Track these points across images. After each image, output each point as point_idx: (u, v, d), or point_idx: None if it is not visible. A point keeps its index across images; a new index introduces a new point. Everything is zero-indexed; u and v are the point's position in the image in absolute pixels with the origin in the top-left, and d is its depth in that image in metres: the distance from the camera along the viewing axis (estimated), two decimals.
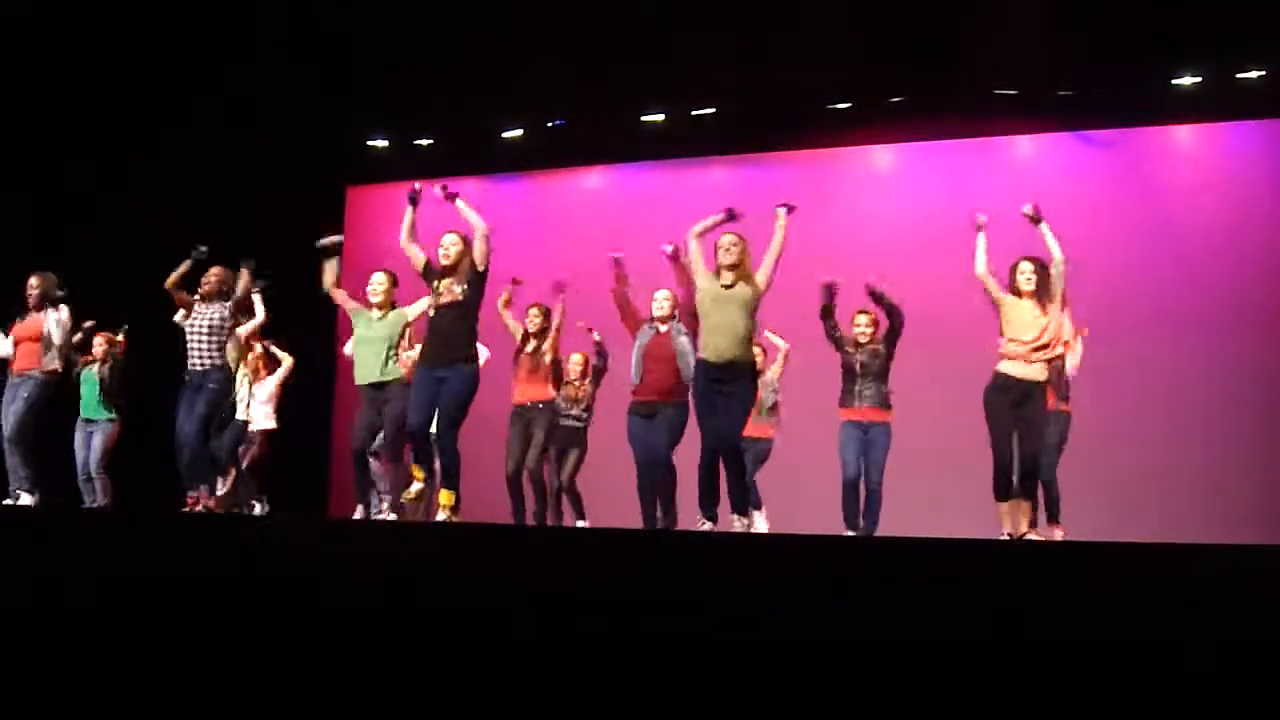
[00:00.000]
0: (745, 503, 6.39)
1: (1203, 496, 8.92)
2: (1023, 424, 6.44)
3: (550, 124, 11.08)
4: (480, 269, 6.56)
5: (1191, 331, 9.42)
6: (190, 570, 4.38)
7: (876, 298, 7.34)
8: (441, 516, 6.57)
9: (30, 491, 7.61)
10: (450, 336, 6.56)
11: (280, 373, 8.84)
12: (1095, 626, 3.60)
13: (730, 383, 6.24)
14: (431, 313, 6.64)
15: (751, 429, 7.85)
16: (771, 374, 8.06)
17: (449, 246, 6.67)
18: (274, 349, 8.86)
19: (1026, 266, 6.61)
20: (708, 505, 6.31)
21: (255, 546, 5.07)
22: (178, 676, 3.54)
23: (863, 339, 7.48)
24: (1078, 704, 3.36)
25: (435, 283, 6.65)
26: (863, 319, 7.52)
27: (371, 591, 4.25)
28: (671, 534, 6.32)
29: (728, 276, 6.33)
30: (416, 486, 6.69)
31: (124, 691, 3.44)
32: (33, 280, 7.88)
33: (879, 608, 3.80)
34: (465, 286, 6.54)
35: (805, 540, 6.09)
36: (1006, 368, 6.51)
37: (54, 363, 7.77)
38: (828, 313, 7.46)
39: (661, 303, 7.01)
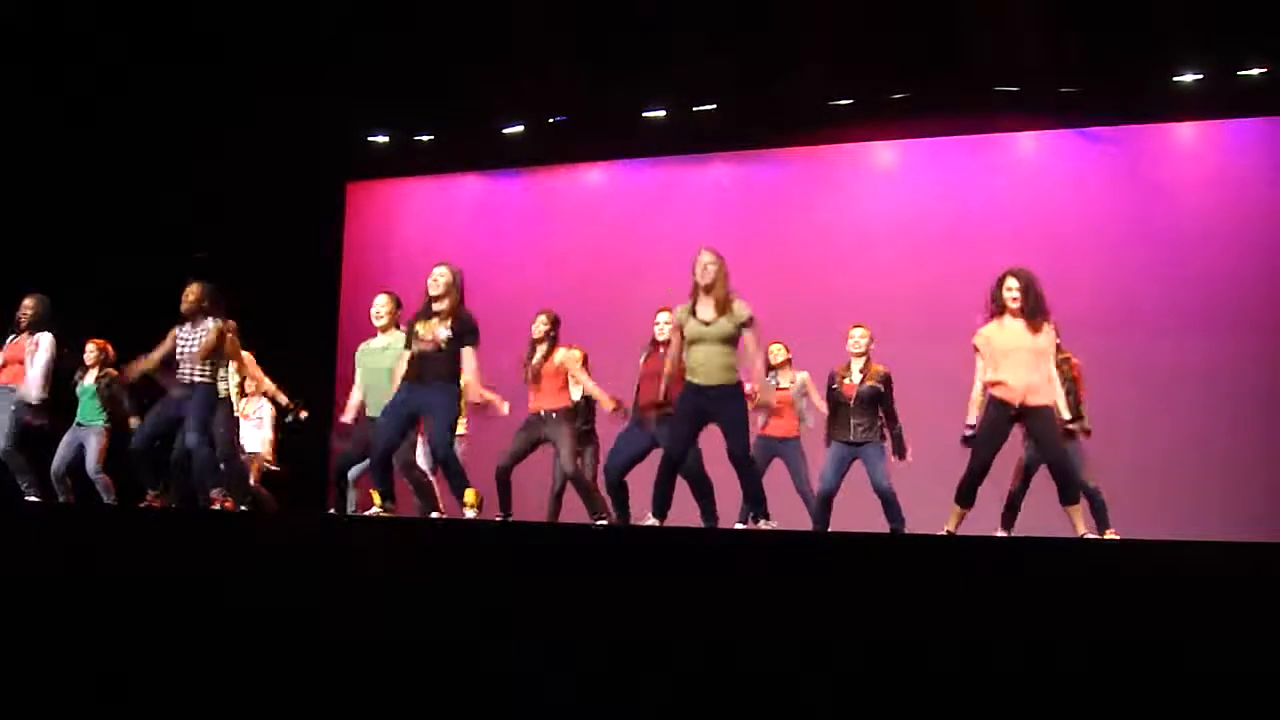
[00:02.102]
0: (763, 510, 6.28)
1: (1204, 494, 8.92)
2: (1034, 441, 6.25)
3: (551, 120, 11.07)
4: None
5: (1193, 328, 9.42)
6: (193, 568, 4.38)
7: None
8: (469, 514, 6.59)
9: (38, 494, 7.64)
10: (431, 365, 6.52)
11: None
12: (1095, 625, 3.60)
13: (715, 405, 6.15)
14: (415, 349, 6.59)
15: (783, 430, 7.85)
16: (801, 379, 8.02)
17: (438, 278, 6.62)
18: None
19: (1013, 283, 6.17)
20: (658, 508, 6.23)
21: (256, 545, 5.07)
22: (178, 674, 3.54)
23: (855, 350, 7.41)
24: (1078, 702, 3.37)
25: (417, 324, 6.60)
26: (857, 332, 7.45)
27: (374, 588, 4.25)
28: (673, 532, 6.30)
29: (705, 309, 6.20)
30: (375, 510, 6.59)
31: (121, 690, 3.44)
32: (26, 302, 7.87)
33: (881, 606, 3.80)
34: (449, 334, 6.50)
35: (806, 538, 6.09)
36: (1001, 393, 6.14)
37: (31, 394, 7.71)
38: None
39: (663, 326, 7.00)
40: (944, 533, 6.20)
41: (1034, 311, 6.14)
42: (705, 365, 6.16)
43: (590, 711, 3.59)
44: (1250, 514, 8.66)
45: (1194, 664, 3.40)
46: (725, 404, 6.15)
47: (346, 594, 4.16)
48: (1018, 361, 6.10)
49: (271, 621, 4.01)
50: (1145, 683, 3.39)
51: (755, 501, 6.30)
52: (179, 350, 7.15)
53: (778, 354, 7.98)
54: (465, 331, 6.53)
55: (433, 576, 4.38)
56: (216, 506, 7.19)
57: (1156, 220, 9.80)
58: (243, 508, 7.27)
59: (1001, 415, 6.14)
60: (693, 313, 6.24)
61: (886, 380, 7.34)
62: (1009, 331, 6.16)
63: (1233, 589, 3.76)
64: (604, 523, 7.44)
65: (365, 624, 3.98)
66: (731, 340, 6.17)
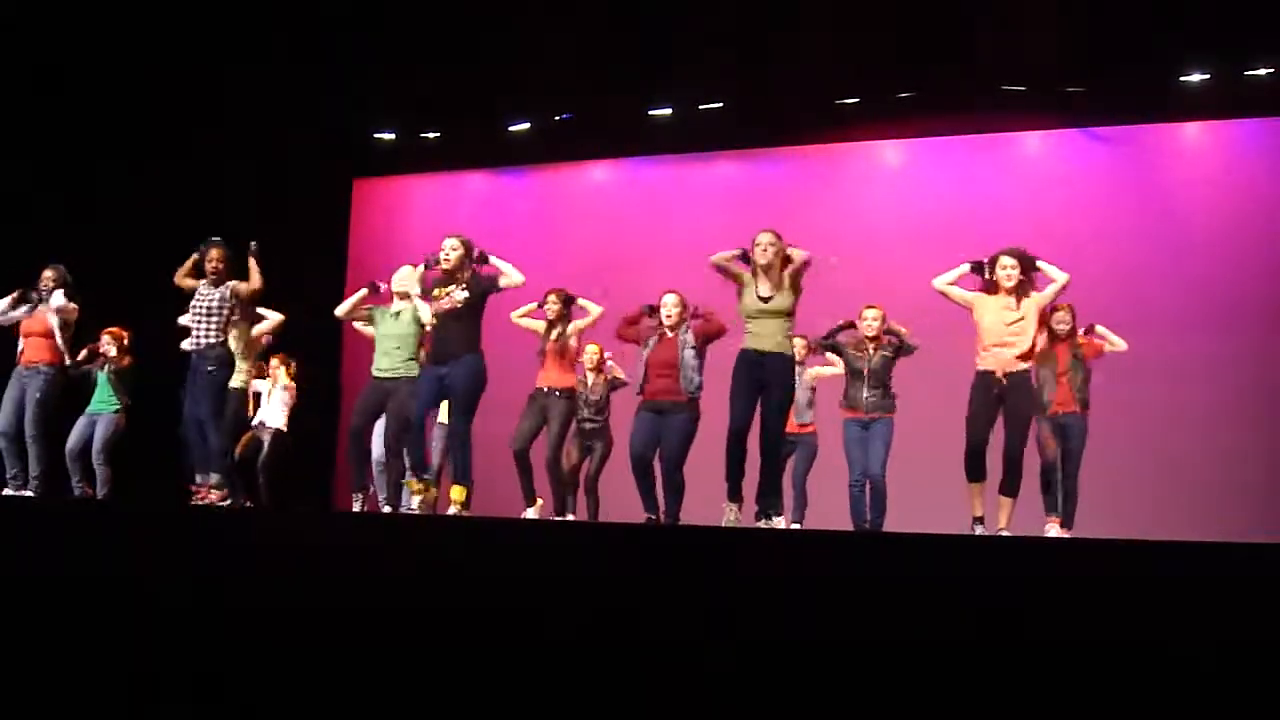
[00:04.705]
0: (775, 505, 6.38)
1: (1204, 494, 8.91)
2: (1007, 416, 6.40)
3: (557, 118, 11.08)
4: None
5: (1195, 327, 9.40)
6: (190, 565, 4.39)
7: (891, 333, 7.48)
8: (452, 510, 6.58)
9: (35, 489, 7.69)
10: (451, 335, 6.64)
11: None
12: (1093, 624, 3.60)
13: (770, 372, 6.31)
14: (433, 320, 6.72)
15: (795, 426, 7.93)
16: (813, 373, 8.13)
17: (449, 252, 6.71)
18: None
19: (1008, 260, 6.50)
20: (732, 486, 6.34)
21: (256, 541, 5.08)
22: (178, 673, 3.55)
23: (869, 333, 7.50)
24: (1076, 703, 3.36)
25: (435, 289, 6.73)
26: (870, 313, 7.54)
27: (376, 586, 4.25)
28: (678, 529, 6.32)
29: (764, 287, 6.36)
30: (418, 499, 6.66)
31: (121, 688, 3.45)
32: (46, 273, 7.91)
33: (881, 605, 3.80)
34: (465, 294, 6.60)
35: (808, 536, 6.09)
36: (985, 364, 6.48)
37: (57, 353, 7.81)
38: (831, 340, 7.63)
39: (670, 309, 6.97)
40: (974, 517, 6.49)
41: (1023, 289, 6.47)
42: (762, 334, 6.36)
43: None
44: (1253, 513, 8.65)
45: (1193, 664, 3.39)
46: (778, 374, 6.34)
47: (341, 593, 4.17)
48: (1002, 336, 6.43)
49: (270, 623, 4.02)
50: (1144, 684, 3.39)
51: (768, 492, 6.37)
52: (193, 310, 7.26)
53: (799, 349, 8.04)
54: (484, 285, 6.67)
55: (430, 575, 4.39)
56: (200, 497, 7.23)
57: (1161, 219, 9.79)
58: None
59: (984, 390, 6.43)
60: (755, 292, 6.39)
61: (896, 347, 7.52)
62: (1000, 303, 6.48)
63: (1234, 589, 3.75)
64: (569, 517, 7.58)
65: (364, 624, 4.00)
66: (789, 313, 6.38)
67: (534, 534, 5.69)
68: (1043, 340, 6.99)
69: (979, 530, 6.46)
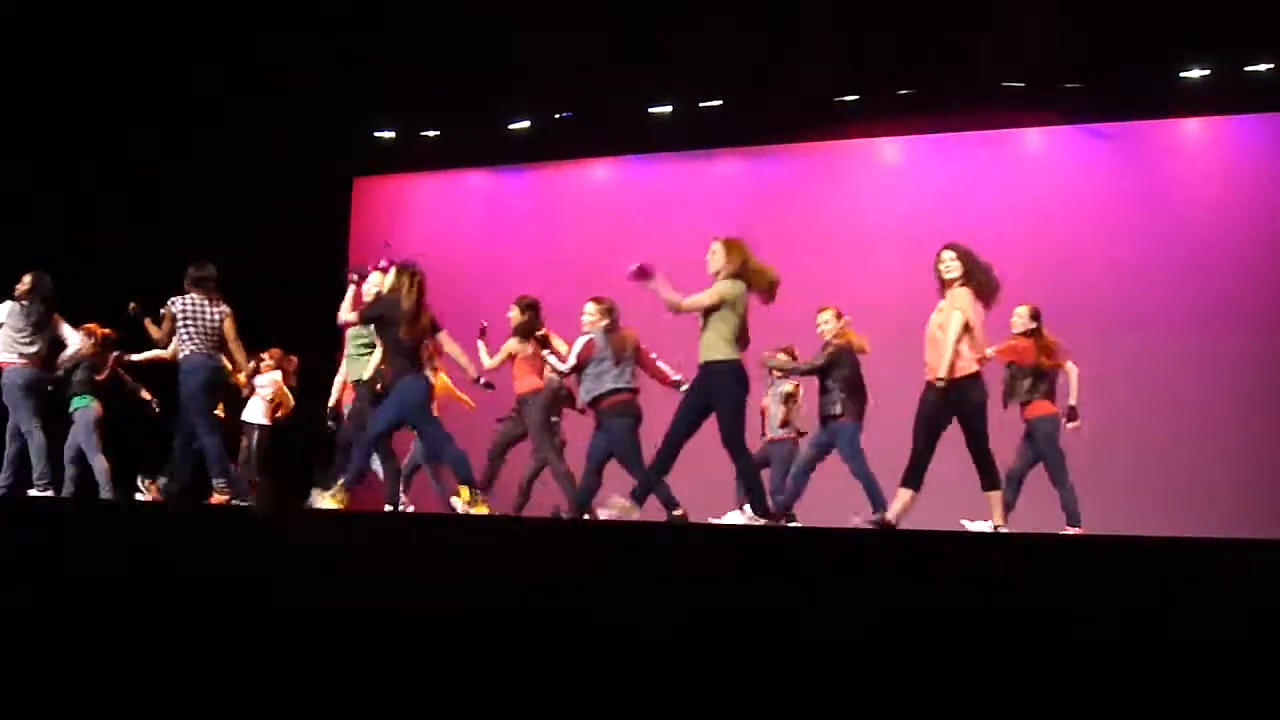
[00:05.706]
0: (758, 505, 6.39)
1: (1205, 491, 8.91)
2: (960, 418, 6.20)
3: (557, 116, 11.08)
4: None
5: (1195, 324, 9.41)
6: (189, 565, 4.40)
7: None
8: (460, 509, 6.61)
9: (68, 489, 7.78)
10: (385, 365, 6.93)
11: (279, 397, 9.03)
12: (1093, 624, 3.59)
13: (714, 378, 6.18)
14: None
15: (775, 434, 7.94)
16: (787, 388, 8.10)
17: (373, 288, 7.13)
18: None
19: (947, 255, 6.26)
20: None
21: (256, 541, 5.08)
22: (174, 673, 3.55)
23: (828, 334, 7.49)
24: (1077, 703, 3.36)
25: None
26: (823, 315, 7.53)
27: (377, 586, 4.26)
28: (676, 528, 6.32)
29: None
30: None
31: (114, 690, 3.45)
32: (25, 278, 7.88)
33: (881, 605, 3.81)
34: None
35: (807, 534, 6.09)
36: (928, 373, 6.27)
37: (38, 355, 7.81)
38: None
39: (591, 316, 7.29)
40: (881, 519, 6.39)
41: (971, 284, 6.21)
42: (703, 340, 6.21)
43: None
44: (1252, 511, 8.64)
45: (1194, 663, 3.39)
46: (717, 381, 6.16)
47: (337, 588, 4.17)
48: (931, 339, 6.23)
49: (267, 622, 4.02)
50: (1144, 684, 3.39)
51: (749, 491, 6.39)
52: (192, 324, 7.23)
53: (773, 360, 8.02)
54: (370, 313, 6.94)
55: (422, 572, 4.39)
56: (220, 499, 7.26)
57: (1162, 216, 9.80)
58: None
59: (928, 393, 6.21)
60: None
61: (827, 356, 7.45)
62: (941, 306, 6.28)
63: (1234, 587, 3.75)
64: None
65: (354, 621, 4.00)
66: (709, 312, 6.17)
67: (533, 533, 5.69)
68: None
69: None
